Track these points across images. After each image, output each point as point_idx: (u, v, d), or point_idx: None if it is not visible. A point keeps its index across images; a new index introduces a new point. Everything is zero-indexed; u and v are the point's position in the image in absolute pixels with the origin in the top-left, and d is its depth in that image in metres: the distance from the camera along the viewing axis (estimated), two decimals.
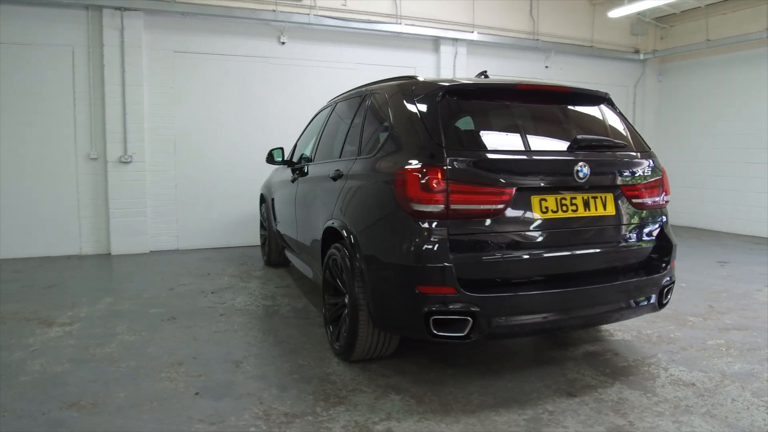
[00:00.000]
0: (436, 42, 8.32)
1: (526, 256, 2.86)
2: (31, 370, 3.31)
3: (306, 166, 4.61)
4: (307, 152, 5.49)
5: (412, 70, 8.23)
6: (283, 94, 7.52)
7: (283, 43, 7.42)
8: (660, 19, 9.49)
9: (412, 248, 2.76)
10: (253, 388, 3.07)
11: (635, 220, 3.17)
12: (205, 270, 6.07)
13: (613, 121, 3.31)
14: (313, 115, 5.47)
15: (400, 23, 7.87)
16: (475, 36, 8.34)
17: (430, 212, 2.74)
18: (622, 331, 4.07)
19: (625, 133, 3.27)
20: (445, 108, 2.94)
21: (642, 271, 3.17)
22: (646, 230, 3.22)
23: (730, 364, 3.46)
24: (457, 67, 8.36)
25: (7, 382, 3.14)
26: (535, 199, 2.87)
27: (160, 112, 6.91)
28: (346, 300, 3.45)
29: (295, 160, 5.37)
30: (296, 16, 7.24)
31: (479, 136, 2.90)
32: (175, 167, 7.10)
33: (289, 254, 5.41)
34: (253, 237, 7.53)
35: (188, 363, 3.43)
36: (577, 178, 2.92)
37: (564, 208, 2.93)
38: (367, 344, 3.25)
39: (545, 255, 2.90)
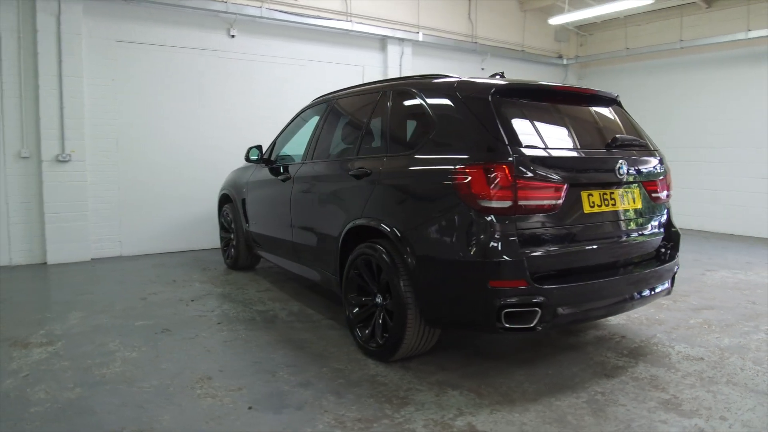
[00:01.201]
0: (383, 41, 8.37)
1: (579, 248, 3.02)
2: (37, 399, 2.90)
3: (302, 165, 4.45)
4: (295, 151, 5.32)
5: (359, 69, 8.24)
6: (232, 90, 7.17)
7: (233, 36, 7.06)
8: (580, 27, 10.28)
9: (483, 244, 2.80)
10: (306, 397, 2.94)
11: (654, 212, 3.46)
12: (167, 277, 5.63)
13: (629, 120, 3.57)
14: (292, 112, 5.29)
15: (351, 21, 7.82)
16: (420, 37, 8.50)
17: (499, 208, 2.79)
18: (613, 316, 4.39)
19: (641, 132, 3.54)
20: (498, 107, 3.00)
21: (662, 257, 3.46)
22: (662, 221, 3.53)
23: (720, 339, 3.88)
24: (404, 67, 8.47)
25: (17, 415, 2.74)
26: (584, 194, 3.04)
27: (101, 106, 6.28)
28: (378, 300, 3.42)
29: (273, 158, 5.18)
30: (248, 9, 6.92)
31: (532, 134, 2.99)
32: (118, 166, 6.50)
33: (270, 256, 5.18)
34: (204, 240, 7.14)
35: (218, 377, 3.19)
36: (617, 175, 3.14)
37: (606, 202, 3.13)
38: (412, 342, 3.24)
39: (595, 246, 3.08)
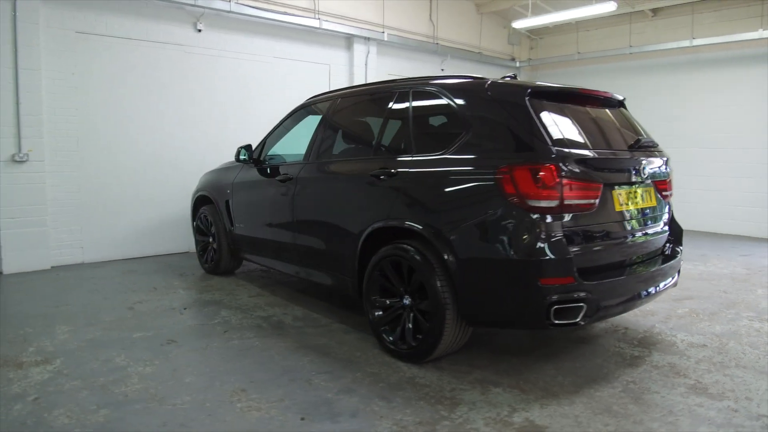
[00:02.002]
0: (349, 40, 8.29)
1: (613, 244, 3.14)
2: (60, 424, 2.66)
3: (305, 166, 4.32)
4: (287, 150, 5.16)
5: (326, 67, 8.13)
6: (198, 87, 6.84)
7: (200, 30, 6.74)
8: (532, 31, 10.67)
9: (533, 243, 2.85)
10: (355, 404, 2.87)
11: (664, 209, 3.66)
12: (145, 284, 5.30)
13: (634, 121, 3.75)
14: (284, 111, 5.12)
15: (319, 19, 7.68)
16: (385, 36, 8.50)
17: (547, 207, 2.86)
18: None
19: (647, 133, 3.73)
20: (536, 108, 3.07)
21: (672, 251, 3.67)
22: (669, 217, 3.74)
23: (712, 327, 4.17)
24: (369, 66, 8.44)
25: None
26: (614, 193, 3.17)
27: (60, 102, 5.80)
28: (407, 301, 3.40)
29: (263, 158, 5.01)
30: (217, 3, 6.63)
31: (567, 134, 3.08)
32: (79, 167, 6.03)
33: (261, 260, 5.00)
34: (172, 244, 6.79)
35: (252, 388, 3.05)
36: (641, 175, 3.29)
37: (631, 201, 3.28)
38: (448, 343, 3.25)
39: (624, 242, 3.22)
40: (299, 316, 4.39)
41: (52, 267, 5.91)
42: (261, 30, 7.32)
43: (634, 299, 3.23)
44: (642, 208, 3.39)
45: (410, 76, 9.11)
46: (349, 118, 4.25)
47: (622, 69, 9.38)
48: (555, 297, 2.83)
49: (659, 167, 3.56)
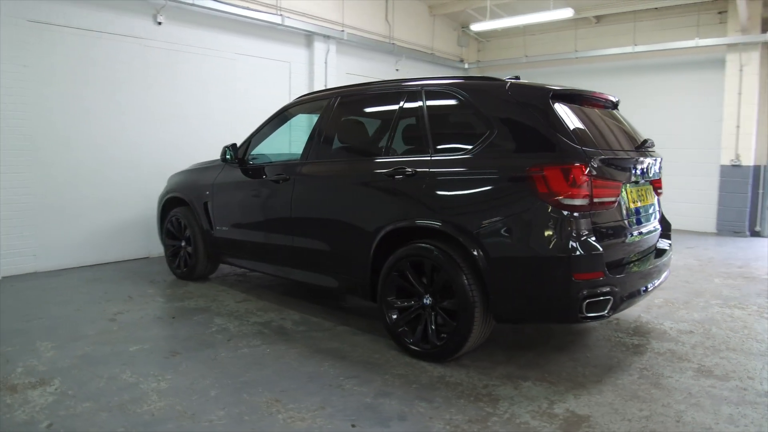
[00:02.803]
0: (309, 38, 8.15)
1: (629, 239, 3.31)
2: None
3: (304, 165, 4.21)
4: (278, 150, 5.00)
5: (287, 65, 7.96)
6: (158, 83, 6.47)
7: (160, 23, 6.37)
8: (479, 34, 10.97)
9: (567, 240, 2.95)
10: (398, 407, 2.85)
11: (658, 205, 3.90)
12: (116, 293, 4.94)
13: (628, 122, 3.97)
14: (272, 110, 4.96)
15: (281, 15, 7.50)
16: (345, 35, 8.43)
17: (579, 205, 2.97)
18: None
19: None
20: (560, 110, 3.17)
21: (666, 245, 3.92)
22: (660, 215, 3.99)
23: (690, 314, 4.50)
24: (329, 65, 8.35)
25: None
26: (626, 192, 3.34)
27: (11, 97, 5.27)
28: (427, 301, 3.41)
29: (248, 158, 4.83)
30: None
31: (589, 135, 3.21)
32: (32, 167, 5.52)
33: (249, 263, 4.81)
34: (132, 249, 6.42)
35: (285, 398, 2.95)
36: (648, 174, 3.49)
37: (640, 198, 3.47)
38: (474, 340, 3.29)
39: (637, 238, 3.40)
40: (298, 320, 4.28)
41: (3, 278, 5.38)
42: (222, 25, 7.03)
43: (639, 294, 3.42)
44: (645, 206, 3.60)
45: (367, 75, 9.19)
46: (354, 117, 4.19)
47: (568, 72, 9.86)
48: (587, 291, 2.95)
49: (658, 167, 3.79)
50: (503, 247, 3.11)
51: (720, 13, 8.20)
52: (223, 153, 4.79)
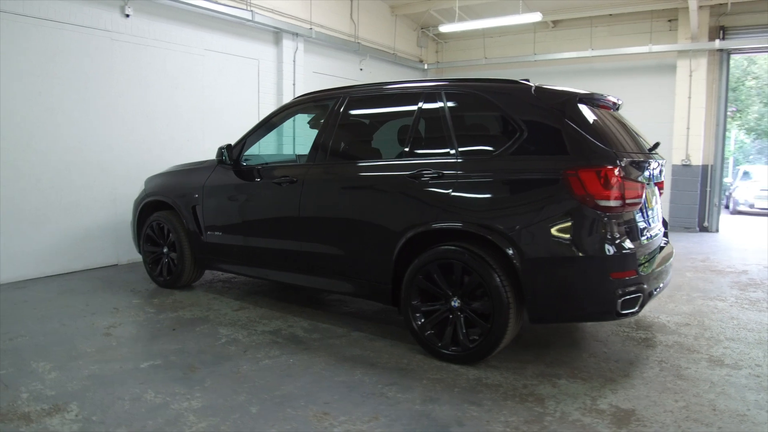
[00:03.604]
0: (278, 35, 7.93)
1: (648, 238, 3.44)
2: None
3: (313, 167, 4.08)
4: (275, 151, 4.82)
5: (255, 62, 7.71)
6: (127, 79, 6.07)
7: (128, 15, 5.98)
8: (438, 35, 11.09)
9: (604, 240, 3.04)
10: (450, 412, 2.83)
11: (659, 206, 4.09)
12: (99, 305, 4.59)
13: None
14: (267, 111, 4.77)
15: (251, 11, 7.24)
16: (313, 33, 8.27)
17: (614, 206, 3.07)
18: None
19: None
20: (586, 113, 3.25)
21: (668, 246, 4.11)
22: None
23: (679, 307, 4.75)
24: (297, 63, 8.15)
25: None
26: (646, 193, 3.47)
27: None
28: (456, 303, 3.41)
29: (242, 159, 4.63)
30: None
31: (615, 138, 3.31)
32: None
33: (247, 270, 4.60)
34: (100, 257, 6.03)
35: (332, 410, 2.85)
36: (661, 176, 3.65)
37: (654, 198, 3.62)
38: (507, 341, 3.32)
39: (653, 236, 3.54)
40: (307, 327, 4.15)
41: None
42: (192, 19, 6.70)
43: (657, 291, 3.55)
44: (653, 207, 3.76)
45: (334, 75, 9.07)
46: (368, 118, 4.11)
47: (526, 75, 10.13)
48: (624, 289, 3.05)
49: (662, 169, 3.97)
50: (540, 247, 3.15)
51: (670, 20, 8.73)
52: (220, 154, 4.57)
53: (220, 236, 4.70)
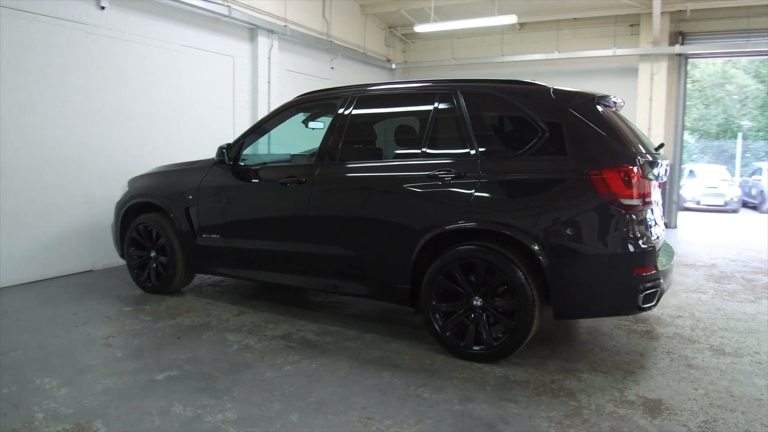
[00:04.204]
0: (253, 32, 7.73)
1: (657, 237, 3.57)
2: None
3: (323, 167, 4.01)
4: (271, 150, 4.69)
5: (230, 59, 7.50)
6: (103, 74, 5.75)
7: (103, 7, 5.66)
8: (406, 35, 11.13)
9: (627, 237, 3.15)
10: (490, 410, 2.87)
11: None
12: (88, 313, 4.34)
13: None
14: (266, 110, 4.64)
15: (228, 6, 7.02)
16: (288, 31, 8.12)
17: (636, 205, 3.18)
18: None
19: None
20: (605, 115, 3.36)
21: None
22: None
23: (667, 300, 4.96)
24: (272, 61, 7.98)
25: None
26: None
27: None
28: (478, 302, 3.44)
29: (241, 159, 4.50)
30: None
31: (630, 138, 3.42)
32: None
33: (248, 273, 4.47)
34: (75, 262, 5.70)
35: (375, 415, 2.82)
36: (665, 175, 3.81)
37: (658, 198, 3.77)
38: (530, 337, 3.38)
39: (659, 235, 3.68)
40: (317, 330, 4.08)
41: None
42: (169, 14, 6.43)
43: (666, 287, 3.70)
44: (659, 205, 3.92)
45: (307, 73, 8.94)
46: (380, 117, 4.06)
47: (494, 76, 10.34)
48: (645, 284, 3.18)
49: (667, 169, 4.12)
50: (566, 245, 3.23)
51: (632, 25, 9.12)
52: (220, 153, 4.41)
53: (218, 239, 4.54)
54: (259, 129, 4.54)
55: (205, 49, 7.01)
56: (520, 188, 3.38)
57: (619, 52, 8.92)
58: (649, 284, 3.20)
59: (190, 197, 4.65)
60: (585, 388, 3.13)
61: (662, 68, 8.70)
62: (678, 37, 8.73)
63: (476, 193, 3.43)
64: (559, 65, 9.80)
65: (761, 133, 22.10)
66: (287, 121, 4.56)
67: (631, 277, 3.16)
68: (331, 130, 4.09)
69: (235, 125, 7.56)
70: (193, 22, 6.78)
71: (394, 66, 11.13)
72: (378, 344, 3.81)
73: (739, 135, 19.89)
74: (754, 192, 13.35)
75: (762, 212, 12.69)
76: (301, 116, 4.86)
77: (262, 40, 7.82)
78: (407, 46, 11.45)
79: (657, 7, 7.82)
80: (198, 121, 6.95)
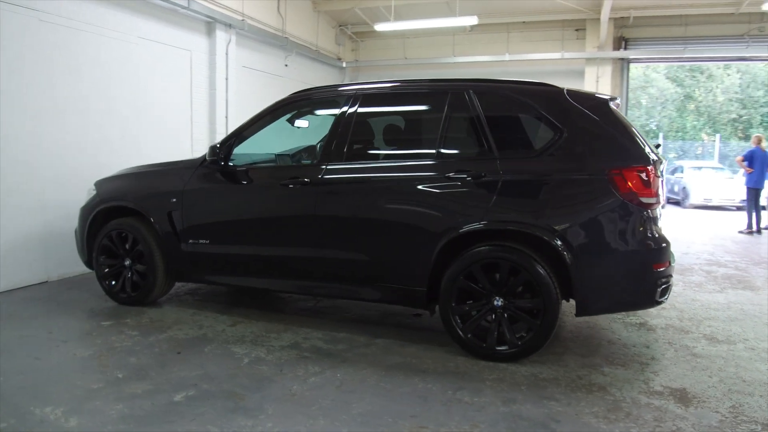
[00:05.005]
0: (210, 26, 7.34)
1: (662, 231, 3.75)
2: None
3: (330, 167, 3.85)
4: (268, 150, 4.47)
5: (188, 53, 7.11)
6: (57, 66, 5.22)
7: None
8: (356, 33, 11.02)
9: (647, 234, 3.28)
10: (535, 410, 2.88)
11: None
12: (65, 331, 3.93)
13: None
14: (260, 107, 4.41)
15: None
16: (246, 25, 7.79)
17: (653, 203, 3.31)
18: None
19: None
20: (618, 116, 3.47)
21: None
22: None
23: None
24: (230, 56, 7.62)
25: None
26: None
27: None
28: (498, 302, 3.45)
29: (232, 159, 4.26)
30: None
31: (640, 138, 3.55)
32: None
33: (254, 281, 4.24)
34: (27, 274, 5.18)
35: (427, 423, 2.75)
36: (663, 174, 3.99)
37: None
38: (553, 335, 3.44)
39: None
40: (323, 338, 3.93)
41: None
42: (125, 2, 5.96)
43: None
44: None
45: (262, 70, 8.62)
46: (389, 116, 3.95)
47: (445, 76, 10.48)
48: (662, 279, 3.32)
49: (664, 168, 4.33)
50: (590, 243, 3.30)
51: (577, 30, 9.57)
52: (213, 153, 4.12)
53: (208, 245, 4.26)
54: (251, 127, 4.29)
55: (162, 42, 6.58)
56: (542, 188, 3.42)
57: (567, 55, 9.33)
58: (664, 279, 3.35)
59: (174, 200, 4.33)
60: (612, 381, 3.22)
61: (607, 71, 9.20)
62: (621, 42, 9.27)
63: (498, 194, 3.43)
64: (508, 67, 10.09)
65: (680, 134, 24.04)
66: (280, 119, 4.36)
67: (651, 272, 3.29)
68: (335, 129, 3.94)
69: (192, 124, 7.16)
70: (150, 13, 6.34)
71: (344, 64, 11.00)
72: (394, 349, 3.72)
73: (660, 135, 21.50)
74: (676, 189, 14.44)
75: (684, 207, 13.75)
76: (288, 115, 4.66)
77: (220, 35, 7.46)
78: (357, 45, 11.36)
79: (606, 14, 8.24)
80: (156, 119, 6.51)
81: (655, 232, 3.33)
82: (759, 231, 9.17)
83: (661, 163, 3.64)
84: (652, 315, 4.53)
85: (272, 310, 4.60)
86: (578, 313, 3.44)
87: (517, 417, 2.79)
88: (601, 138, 3.41)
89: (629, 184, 3.26)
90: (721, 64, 20.32)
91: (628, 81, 9.70)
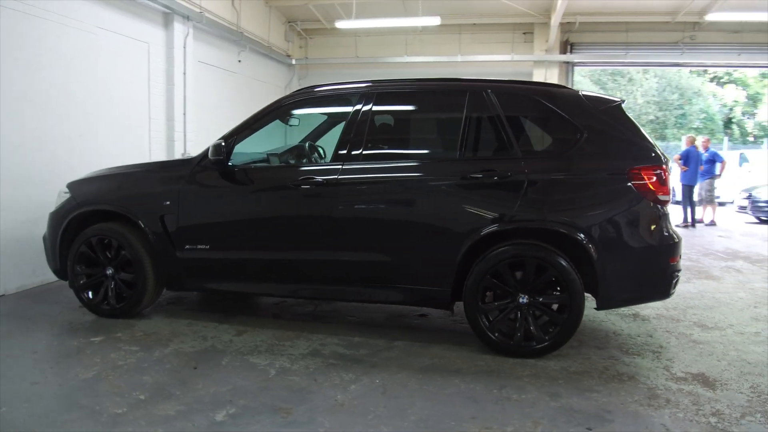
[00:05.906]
0: (168, 17, 6.88)
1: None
2: None
3: (346, 168, 3.73)
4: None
5: (145, 46, 6.64)
6: (14, 58, 4.68)
7: None
8: (305, 30, 10.78)
9: (664, 230, 3.47)
10: (586, 404, 2.95)
11: None
12: (55, 351, 3.58)
13: None
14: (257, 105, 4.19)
15: None
16: (204, 18, 7.39)
17: (667, 200, 3.52)
18: None
19: None
20: (630, 117, 3.64)
21: None
22: None
23: None
24: (187, 50, 7.19)
25: None
26: None
27: None
28: (523, 300, 3.51)
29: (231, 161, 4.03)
30: None
31: (651, 139, 3.74)
32: None
33: (264, 287, 4.08)
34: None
35: (491, 424, 2.75)
36: None
37: None
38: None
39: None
40: (341, 343, 3.82)
41: None
42: None
43: None
44: None
45: (218, 66, 8.23)
46: (407, 115, 3.88)
47: (397, 76, 10.49)
48: (676, 272, 3.53)
49: None
50: (614, 239, 3.45)
51: (525, 33, 9.93)
52: (217, 152, 3.85)
53: (209, 250, 4.00)
54: (254, 125, 4.07)
55: (120, 33, 6.10)
56: (567, 187, 3.52)
57: (517, 57, 9.67)
58: (677, 272, 3.57)
59: (168, 203, 4.03)
60: (639, 371, 3.37)
61: (554, 74, 9.63)
62: (567, 46, 9.74)
63: (525, 193, 3.49)
64: (458, 68, 10.28)
65: None
66: (280, 118, 4.18)
67: (668, 265, 3.49)
68: (350, 129, 3.83)
69: (150, 121, 6.70)
70: (107, 2, 5.85)
71: (293, 61, 10.73)
72: (418, 351, 3.68)
73: None
74: None
75: None
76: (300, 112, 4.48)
77: (178, 27, 7.02)
78: (305, 42, 11.12)
79: (556, 19, 8.62)
80: (117, 115, 6.04)
81: (669, 227, 3.53)
82: (693, 224, 9.99)
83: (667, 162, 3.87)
84: (640, 306, 4.79)
85: (272, 317, 4.41)
86: (600, 307, 3.58)
87: (570, 410, 2.85)
88: (618, 139, 3.57)
89: (648, 182, 3.43)
90: (641, 69, 21.88)
91: (572, 84, 10.21)
